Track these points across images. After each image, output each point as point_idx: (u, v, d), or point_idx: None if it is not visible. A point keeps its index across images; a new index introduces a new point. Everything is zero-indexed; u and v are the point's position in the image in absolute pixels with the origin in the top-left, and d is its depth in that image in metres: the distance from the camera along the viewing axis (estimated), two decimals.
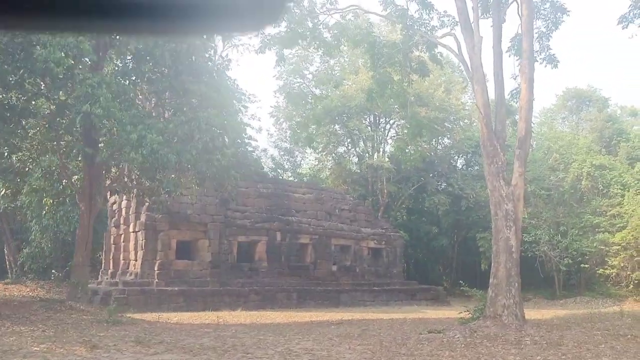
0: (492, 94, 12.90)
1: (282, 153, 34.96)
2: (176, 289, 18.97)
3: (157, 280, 19.27)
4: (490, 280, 11.43)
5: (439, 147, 34.72)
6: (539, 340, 9.18)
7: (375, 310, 22.18)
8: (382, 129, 33.68)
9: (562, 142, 32.83)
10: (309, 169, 37.15)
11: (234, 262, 21.36)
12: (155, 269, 19.50)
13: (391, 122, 34.01)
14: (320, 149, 34.42)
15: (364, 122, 33.09)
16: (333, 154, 34.38)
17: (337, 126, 32.86)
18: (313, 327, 12.73)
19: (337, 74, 32.31)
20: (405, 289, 24.74)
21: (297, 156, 35.60)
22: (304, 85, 32.52)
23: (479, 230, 32.49)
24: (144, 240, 19.82)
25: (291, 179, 33.88)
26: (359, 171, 33.80)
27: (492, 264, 11.40)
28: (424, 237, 33.71)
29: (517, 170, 11.62)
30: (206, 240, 20.76)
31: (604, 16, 74.46)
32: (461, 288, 16.24)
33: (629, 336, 10.44)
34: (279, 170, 34.56)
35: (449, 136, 33.60)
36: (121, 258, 21.46)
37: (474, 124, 38.17)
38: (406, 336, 10.01)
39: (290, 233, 22.79)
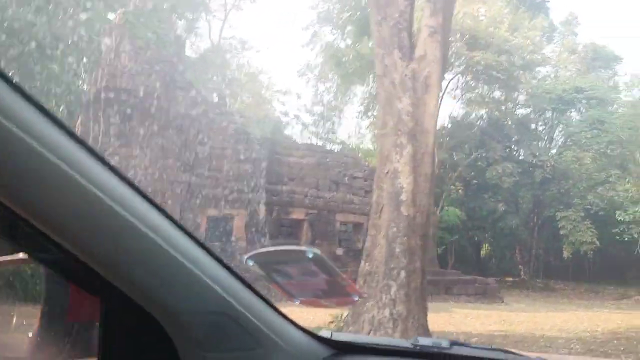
0: None
1: (315, 118, 29.93)
2: None
3: None
4: (360, 266, 5.92)
5: (509, 103, 27.65)
6: None
7: None
8: None
9: None
10: (349, 136, 31.87)
11: None
12: None
13: (448, 74, 27.53)
14: (361, 112, 28.99)
15: None
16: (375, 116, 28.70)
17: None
18: None
19: None
20: (438, 280, 18.88)
21: (334, 122, 30.32)
22: (338, 35, 27.05)
23: (560, 208, 25.32)
24: None
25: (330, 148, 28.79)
26: None
27: (368, 234, 5.96)
28: (489, 217, 27.09)
29: (428, 26, 5.87)
30: None
31: None
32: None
33: None
34: (315, 140, 29.61)
35: (519, 88, 26.43)
36: None
37: (559, 72, 30.56)
38: None
39: (279, 206, 17.99)
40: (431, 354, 1.16)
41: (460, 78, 27.22)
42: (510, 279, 28.14)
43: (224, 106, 19.57)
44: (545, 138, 27.97)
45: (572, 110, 27.29)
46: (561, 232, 24.93)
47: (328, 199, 18.72)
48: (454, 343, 1.18)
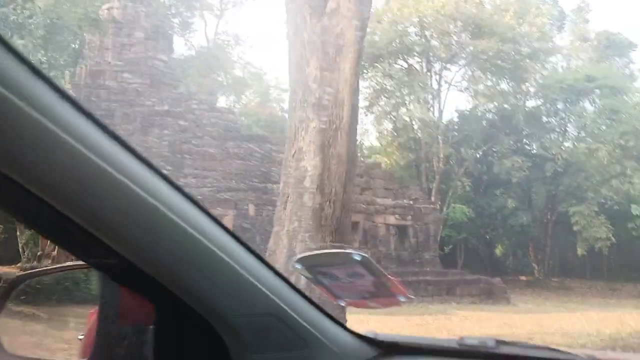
0: None
1: None
2: None
3: None
4: None
5: (518, 95, 26.49)
6: None
7: (379, 312, 15.93)
8: (439, 75, 26.41)
9: None
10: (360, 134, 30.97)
11: None
12: None
13: (451, 66, 26.45)
14: (365, 107, 28.10)
15: (413, 65, 26.09)
16: (379, 112, 27.76)
17: (378, 73, 26.28)
18: None
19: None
20: (439, 281, 17.96)
21: None
22: None
23: (572, 203, 24.10)
24: None
25: None
26: (409, 132, 26.93)
27: (273, 230, 5.12)
28: (498, 214, 25.97)
29: None
30: None
31: None
32: None
33: None
34: None
35: (528, 79, 25.27)
36: None
37: (570, 62, 29.28)
38: None
39: (270, 205, 17.21)
40: (477, 353, 1.16)
41: (467, 70, 26.21)
42: (524, 278, 27.00)
43: (214, 103, 18.89)
44: (557, 130, 26.71)
45: (585, 100, 26.01)
46: (574, 228, 23.71)
47: None
48: (501, 342, 1.18)
